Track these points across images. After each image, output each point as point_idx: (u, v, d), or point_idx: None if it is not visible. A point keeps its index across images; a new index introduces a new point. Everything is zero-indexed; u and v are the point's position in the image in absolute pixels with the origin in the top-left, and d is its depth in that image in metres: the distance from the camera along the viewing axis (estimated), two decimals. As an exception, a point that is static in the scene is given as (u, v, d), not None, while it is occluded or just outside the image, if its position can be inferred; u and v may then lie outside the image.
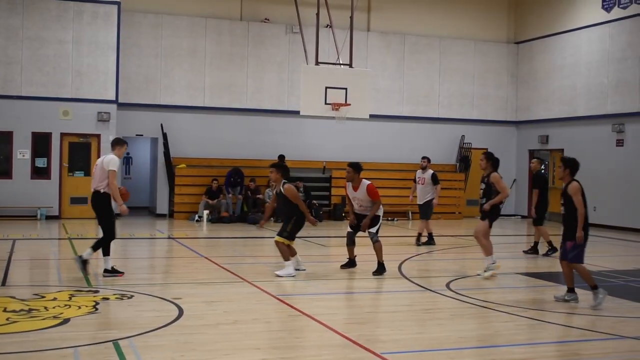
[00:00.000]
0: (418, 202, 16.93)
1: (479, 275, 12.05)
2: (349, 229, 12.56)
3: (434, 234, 16.97)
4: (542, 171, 14.99)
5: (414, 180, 17.16)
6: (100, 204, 11.25)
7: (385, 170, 25.07)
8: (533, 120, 26.72)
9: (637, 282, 12.33)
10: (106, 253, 11.31)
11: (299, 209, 11.84)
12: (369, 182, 12.24)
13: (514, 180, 27.40)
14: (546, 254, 15.24)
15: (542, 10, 26.42)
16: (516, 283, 11.88)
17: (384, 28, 25.98)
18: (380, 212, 12.29)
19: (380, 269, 12.17)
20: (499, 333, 8.46)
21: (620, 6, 22.79)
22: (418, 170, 17.04)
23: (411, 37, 26.19)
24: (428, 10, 26.59)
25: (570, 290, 10.08)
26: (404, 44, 26.12)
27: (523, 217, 26.20)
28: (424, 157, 17.20)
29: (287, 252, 11.86)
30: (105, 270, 11.28)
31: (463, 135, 26.62)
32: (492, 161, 12.06)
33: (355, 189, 12.24)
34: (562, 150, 25.08)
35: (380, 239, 12.21)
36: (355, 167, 12.28)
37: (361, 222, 12.23)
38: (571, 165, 10.11)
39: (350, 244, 12.58)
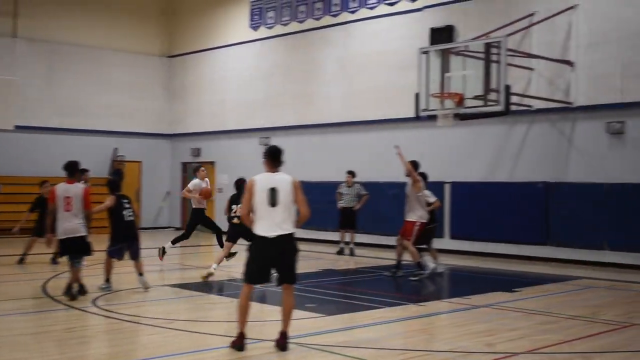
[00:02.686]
0: None
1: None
2: None
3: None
4: None
5: None
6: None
7: (19, 185, 23.10)
8: (186, 133, 27.20)
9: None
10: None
11: None
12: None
13: (167, 192, 27.65)
14: None
15: (194, 26, 27.02)
16: (165, 295, 11.93)
17: (33, 35, 24.69)
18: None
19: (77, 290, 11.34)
20: (145, 346, 8.44)
21: (267, 26, 24.08)
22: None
23: (63, 46, 25.22)
24: (82, 19, 25.82)
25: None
26: (55, 53, 25.08)
27: (177, 228, 26.50)
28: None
29: None
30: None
31: (116, 148, 26.20)
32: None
33: None
34: (213, 163, 25.81)
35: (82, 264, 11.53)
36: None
37: None
38: None
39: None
